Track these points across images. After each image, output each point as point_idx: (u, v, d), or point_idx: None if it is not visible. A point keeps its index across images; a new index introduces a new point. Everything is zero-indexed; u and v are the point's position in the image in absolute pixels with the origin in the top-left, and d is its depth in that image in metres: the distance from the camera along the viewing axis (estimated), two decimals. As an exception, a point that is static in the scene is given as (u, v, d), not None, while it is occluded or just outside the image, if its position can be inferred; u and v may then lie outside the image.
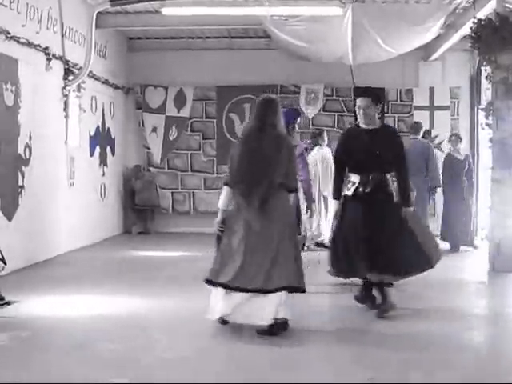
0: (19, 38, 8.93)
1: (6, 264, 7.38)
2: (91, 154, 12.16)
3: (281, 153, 5.80)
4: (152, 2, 10.94)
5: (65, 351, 5.29)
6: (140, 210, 13.89)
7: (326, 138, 11.63)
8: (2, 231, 8.38)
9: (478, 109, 12.96)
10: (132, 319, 6.39)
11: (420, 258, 6.42)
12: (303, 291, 5.81)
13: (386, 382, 4.59)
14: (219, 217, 5.99)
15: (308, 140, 11.62)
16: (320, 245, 10.70)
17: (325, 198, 11.24)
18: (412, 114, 13.69)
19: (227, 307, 5.74)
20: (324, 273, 7.47)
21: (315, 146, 11.52)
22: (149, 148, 14.08)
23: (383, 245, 6.31)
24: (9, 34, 8.61)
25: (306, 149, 8.29)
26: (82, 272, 9.24)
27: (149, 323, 6.24)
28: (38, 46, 9.58)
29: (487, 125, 9.17)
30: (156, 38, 13.95)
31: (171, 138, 14.04)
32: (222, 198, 5.98)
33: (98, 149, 12.44)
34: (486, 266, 9.05)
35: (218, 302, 5.77)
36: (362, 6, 10.72)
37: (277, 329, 5.72)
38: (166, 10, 11.01)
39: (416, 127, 11.63)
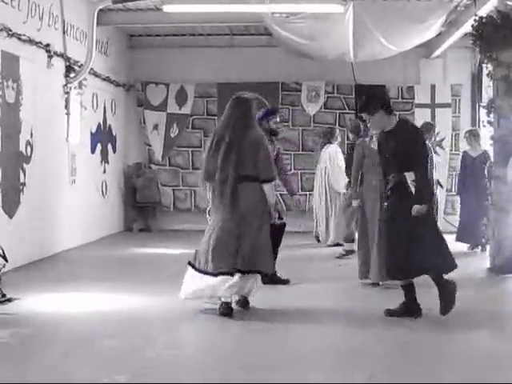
0: (20, 35, 8.93)
1: (7, 261, 7.38)
2: (92, 152, 12.17)
3: (248, 147, 6.30)
4: (153, 0, 10.94)
5: (66, 348, 5.29)
6: (141, 208, 13.90)
7: (338, 136, 11.62)
8: (4, 228, 8.39)
9: (479, 106, 12.96)
10: (133, 316, 6.40)
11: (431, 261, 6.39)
12: (266, 275, 6.63)
13: (385, 382, 4.60)
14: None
15: (318, 138, 11.74)
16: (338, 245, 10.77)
17: (338, 194, 11.37)
18: (413, 112, 13.68)
19: (198, 288, 6.36)
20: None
21: (326, 143, 11.54)
22: (150, 145, 14.08)
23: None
24: (10, 31, 8.61)
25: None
26: (83, 269, 9.25)
27: (149, 320, 6.25)
28: (40, 43, 9.59)
29: (488, 122, 9.15)
30: (157, 36, 13.95)
31: (172, 135, 14.04)
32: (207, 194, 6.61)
33: (99, 146, 12.45)
34: (486, 265, 9.02)
35: (189, 284, 6.43)
36: (363, 3, 10.70)
37: (241, 305, 6.52)
38: (167, 8, 11.00)
39: (427, 127, 10.64)
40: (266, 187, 6.43)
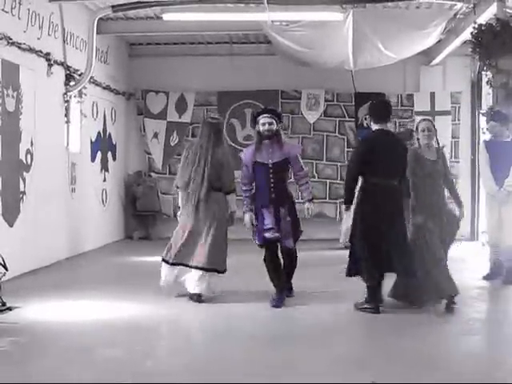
0: (20, 43, 8.94)
1: (7, 270, 7.37)
2: (92, 160, 12.18)
3: (215, 163, 7.39)
4: (153, 8, 10.97)
5: (65, 356, 5.29)
6: (141, 216, 13.89)
7: None
8: (4, 237, 8.39)
9: (478, 114, 12.96)
10: (133, 324, 6.39)
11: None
12: (219, 272, 7.43)
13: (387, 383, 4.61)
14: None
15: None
16: None
17: None
18: (413, 119, 13.68)
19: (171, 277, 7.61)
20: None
21: None
22: (150, 153, 14.09)
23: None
24: (10, 39, 8.62)
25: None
26: (83, 278, 9.25)
27: (149, 328, 6.24)
28: (40, 51, 9.61)
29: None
30: (157, 44, 13.98)
31: (172, 144, 14.05)
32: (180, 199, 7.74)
33: (99, 154, 12.46)
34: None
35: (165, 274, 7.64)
36: (363, 11, 10.73)
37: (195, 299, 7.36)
38: (167, 16, 11.02)
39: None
40: (228, 197, 7.60)
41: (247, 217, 7.47)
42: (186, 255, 7.47)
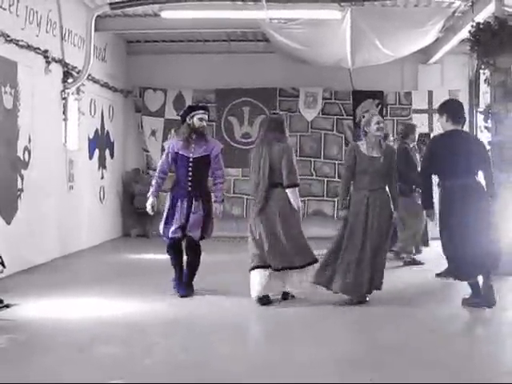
0: (18, 41, 8.94)
1: (4, 267, 7.37)
2: (90, 157, 12.17)
3: (275, 157, 7.17)
4: (151, 6, 10.96)
5: (63, 354, 5.29)
6: (139, 213, 13.82)
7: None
8: (1, 234, 8.39)
9: (476, 112, 12.97)
10: (130, 322, 6.39)
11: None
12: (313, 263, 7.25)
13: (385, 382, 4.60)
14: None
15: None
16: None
17: None
18: (411, 117, 13.70)
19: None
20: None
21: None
22: (148, 151, 14.08)
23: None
24: (8, 36, 8.62)
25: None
26: (81, 275, 9.25)
27: (147, 326, 6.24)
28: (38, 49, 9.60)
29: (486, 128, 9.17)
30: (155, 42, 13.97)
31: (170, 141, 14.03)
32: None
33: (97, 152, 12.45)
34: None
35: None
36: (361, 9, 10.72)
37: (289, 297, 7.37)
38: (165, 14, 11.02)
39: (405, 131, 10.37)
40: (289, 190, 7.18)
41: (150, 201, 7.71)
42: (275, 257, 7.13)
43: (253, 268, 7.15)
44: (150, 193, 7.80)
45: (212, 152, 7.62)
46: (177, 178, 7.72)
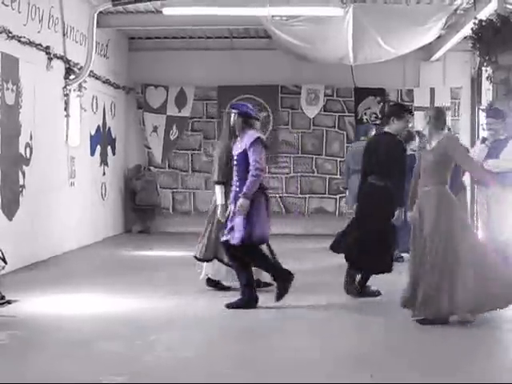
0: (20, 37, 8.93)
1: (6, 263, 7.39)
2: (92, 154, 12.17)
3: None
4: (153, 2, 10.96)
5: (64, 350, 5.29)
6: (140, 210, 13.90)
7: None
8: (3, 231, 8.39)
9: (478, 109, 12.95)
10: (131, 319, 6.39)
11: None
12: None
13: (385, 382, 4.60)
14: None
15: None
16: None
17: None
18: (412, 115, 13.65)
19: None
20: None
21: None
22: (149, 148, 14.08)
23: None
24: (10, 33, 8.61)
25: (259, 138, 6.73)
26: (82, 271, 9.25)
27: (148, 323, 6.24)
28: (39, 45, 9.59)
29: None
30: (157, 38, 13.97)
31: (172, 138, 14.05)
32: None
33: (98, 148, 12.46)
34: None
35: None
36: (363, 6, 10.73)
37: None
38: (167, 10, 11.02)
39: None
40: None
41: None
42: None
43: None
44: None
45: (246, 146, 6.79)
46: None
